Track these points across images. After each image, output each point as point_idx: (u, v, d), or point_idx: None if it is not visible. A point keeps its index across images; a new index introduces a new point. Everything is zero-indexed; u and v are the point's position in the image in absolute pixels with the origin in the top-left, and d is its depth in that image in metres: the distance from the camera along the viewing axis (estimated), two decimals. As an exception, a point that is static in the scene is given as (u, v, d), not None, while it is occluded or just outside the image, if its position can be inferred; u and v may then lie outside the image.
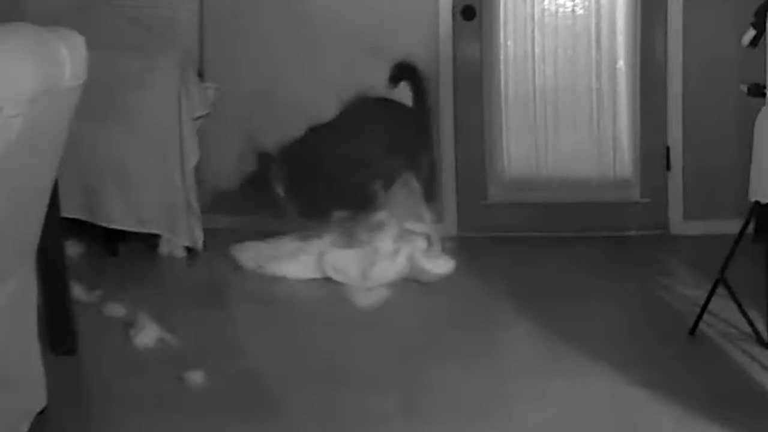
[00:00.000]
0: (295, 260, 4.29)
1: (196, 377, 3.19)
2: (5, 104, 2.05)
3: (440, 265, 4.32)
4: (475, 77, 5.01)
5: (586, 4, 4.96)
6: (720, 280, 3.43)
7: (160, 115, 4.59)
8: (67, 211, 3.86)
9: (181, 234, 4.65)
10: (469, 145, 5.03)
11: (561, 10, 4.98)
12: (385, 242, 4.32)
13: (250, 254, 4.39)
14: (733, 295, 3.43)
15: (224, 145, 4.92)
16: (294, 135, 4.38)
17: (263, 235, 4.55)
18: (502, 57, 5.02)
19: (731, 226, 3.60)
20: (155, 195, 4.61)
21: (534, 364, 3.38)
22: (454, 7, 4.94)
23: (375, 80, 4.96)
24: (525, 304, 3.95)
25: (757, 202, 3.33)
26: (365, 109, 4.39)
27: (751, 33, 3.37)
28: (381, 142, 4.31)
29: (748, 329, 3.41)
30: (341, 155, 4.28)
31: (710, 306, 3.49)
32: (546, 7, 4.98)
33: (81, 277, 3.98)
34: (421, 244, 4.44)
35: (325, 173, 4.30)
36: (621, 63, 5.00)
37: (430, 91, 4.65)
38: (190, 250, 4.68)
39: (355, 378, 3.26)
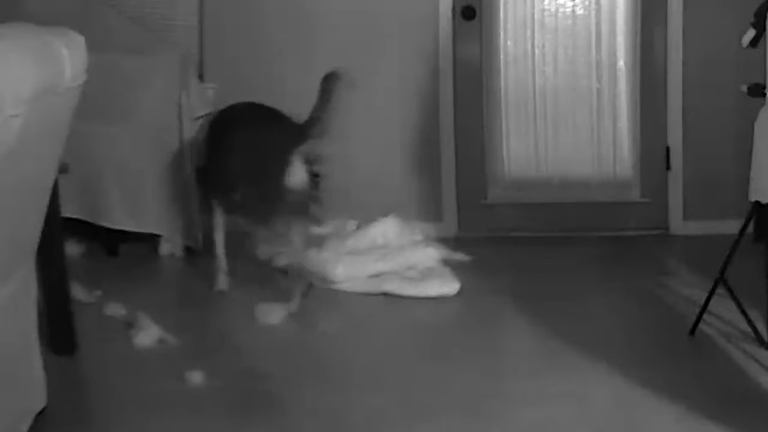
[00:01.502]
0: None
1: (196, 377, 3.19)
2: (5, 104, 2.05)
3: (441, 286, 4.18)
4: (475, 77, 5.01)
5: (586, 4, 4.96)
6: (720, 280, 3.43)
7: (160, 115, 4.59)
8: (67, 211, 3.86)
9: (180, 234, 4.65)
10: (469, 145, 5.03)
11: (561, 10, 4.98)
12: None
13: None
14: (733, 295, 3.43)
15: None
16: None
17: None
18: (502, 57, 5.02)
19: (731, 226, 3.60)
20: (155, 195, 4.61)
21: (534, 363, 3.38)
22: (454, 7, 4.94)
23: (375, 79, 4.97)
24: (525, 303, 3.95)
25: (757, 202, 3.33)
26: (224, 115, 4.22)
27: (751, 33, 3.37)
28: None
29: (748, 329, 3.41)
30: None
31: (710, 306, 3.49)
32: (546, 7, 4.98)
33: (81, 277, 3.98)
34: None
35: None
36: (621, 63, 5.00)
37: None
38: (190, 250, 4.68)
39: (355, 378, 3.26)
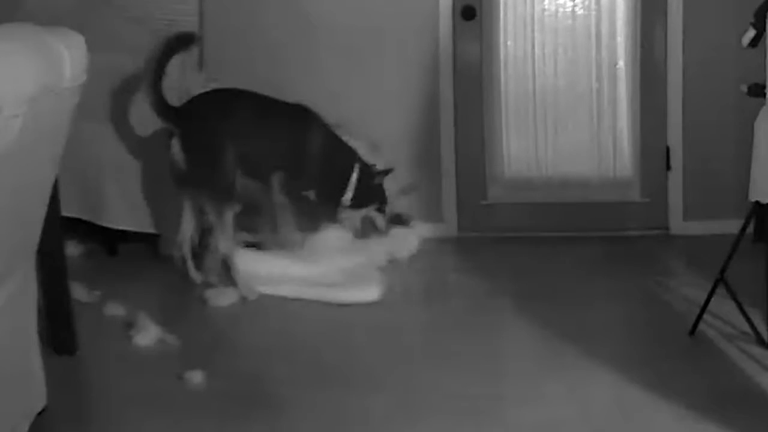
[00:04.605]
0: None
1: (196, 377, 3.19)
2: (5, 104, 2.05)
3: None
4: (475, 77, 5.01)
5: (586, 4, 4.96)
6: (720, 280, 3.44)
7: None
8: (67, 211, 3.86)
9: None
10: (469, 145, 5.03)
11: (561, 10, 4.98)
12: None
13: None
14: (733, 295, 3.43)
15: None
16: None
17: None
18: (502, 57, 5.02)
19: (731, 226, 3.60)
20: (155, 194, 4.60)
21: (534, 363, 3.38)
22: (454, 7, 4.94)
23: (375, 79, 4.97)
24: (525, 303, 3.95)
25: (757, 202, 3.33)
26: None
27: (751, 33, 3.37)
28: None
29: (748, 329, 3.41)
30: None
31: (710, 306, 3.49)
32: (546, 7, 4.98)
33: (81, 277, 3.98)
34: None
35: None
36: (621, 63, 5.00)
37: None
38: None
39: (355, 378, 3.26)
